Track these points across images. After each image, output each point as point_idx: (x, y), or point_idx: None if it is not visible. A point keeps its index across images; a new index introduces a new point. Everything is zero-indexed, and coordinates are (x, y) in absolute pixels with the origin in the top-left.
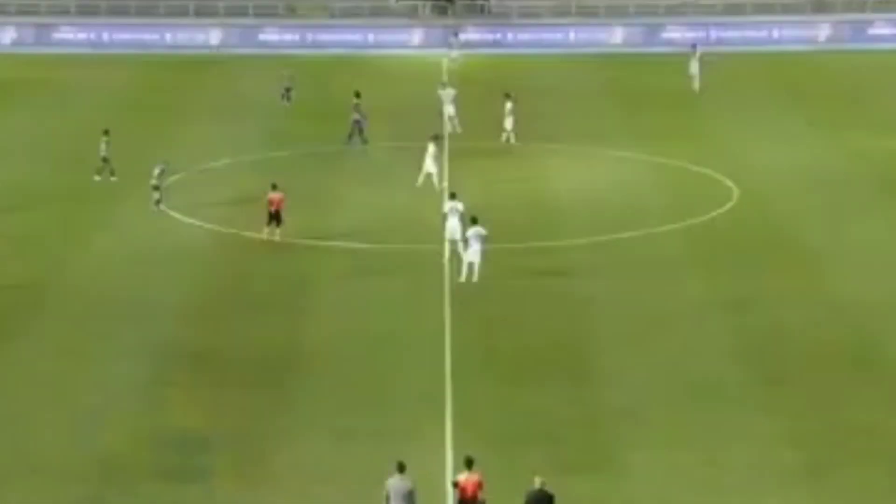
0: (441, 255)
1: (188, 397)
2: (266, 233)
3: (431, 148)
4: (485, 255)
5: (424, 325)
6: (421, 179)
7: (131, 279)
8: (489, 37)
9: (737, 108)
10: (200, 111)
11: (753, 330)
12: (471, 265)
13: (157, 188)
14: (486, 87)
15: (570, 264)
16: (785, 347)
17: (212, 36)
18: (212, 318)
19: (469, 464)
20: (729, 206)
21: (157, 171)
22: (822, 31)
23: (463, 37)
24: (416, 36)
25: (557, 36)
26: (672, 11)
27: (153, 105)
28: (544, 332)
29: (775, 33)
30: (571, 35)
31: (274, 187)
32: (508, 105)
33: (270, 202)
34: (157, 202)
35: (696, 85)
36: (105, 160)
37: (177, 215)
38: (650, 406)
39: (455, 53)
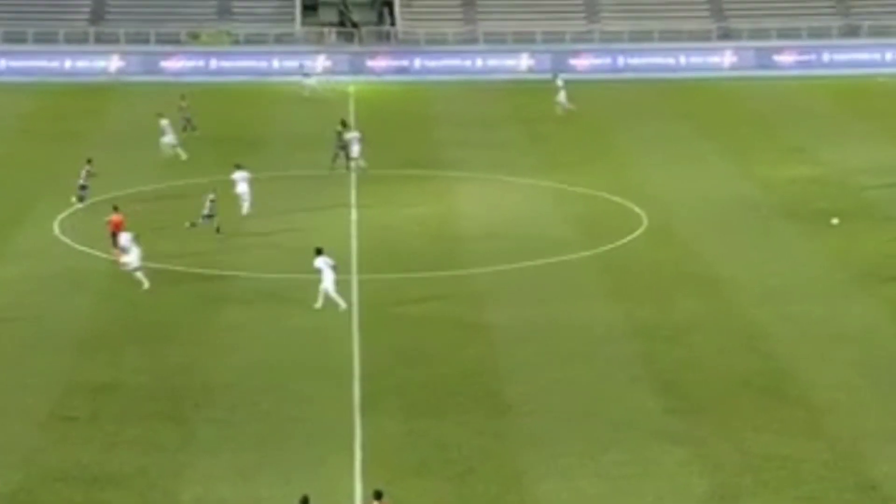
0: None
1: (89, 432)
2: (115, 254)
3: (238, 174)
4: (336, 283)
5: (332, 357)
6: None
7: (28, 309)
8: (395, 64)
9: (644, 136)
10: (100, 139)
11: (664, 358)
12: (326, 293)
13: (83, 187)
14: (393, 115)
15: (479, 293)
16: (695, 375)
17: (112, 63)
18: (112, 350)
19: (378, 496)
20: (638, 233)
21: (83, 173)
22: (727, 58)
23: (309, 65)
24: (322, 63)
25: (465, 63)
26: (579, 39)
27: (52, 133)
28: (454, 362)
29: (682, 60)
30: (479, 62)
31: (115, 209)
32: (352, 134)
33: (110, 224)
34: (81, 199)
35: (565, 108)
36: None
37: (75, 244)
38: (561, 436)
39: (312, 81)
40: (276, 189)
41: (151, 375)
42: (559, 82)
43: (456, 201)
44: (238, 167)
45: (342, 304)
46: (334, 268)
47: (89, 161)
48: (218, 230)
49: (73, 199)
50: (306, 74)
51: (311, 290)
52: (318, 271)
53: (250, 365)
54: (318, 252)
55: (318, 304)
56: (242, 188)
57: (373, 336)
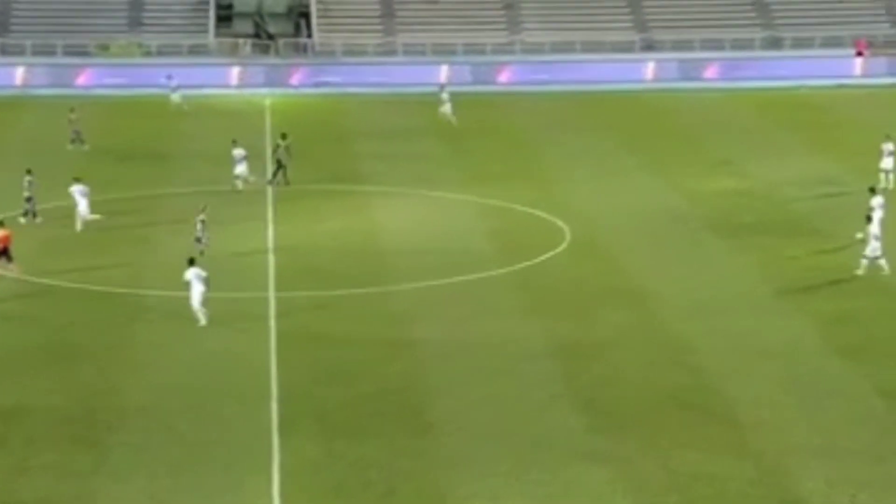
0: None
1: None
2: (9, 269)
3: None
4: (205, 295)
5: (249, 377)
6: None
7: None
8: (313, 77)
9: (568, 149)
10: (6, 154)
11: (588, 374)
12: (192, 306)
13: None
14: (310, 128)
15: (400, 310)
16: (619, 392)
17: (17, 76)
18: (20, 372)
19: None
20: (561, 248)
21: (25, 184)
22: (650, 70)
23: (175, 80)
24: (236, 75)
25: (383, 75)
26: (500, 51)
27: None
28: (374, 381)
29: (605, 72)
30: (398, 74)
31: (0, 224)
32: (238, 151)
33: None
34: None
35: (452, 120)
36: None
37: None
38: (484, 455)
39: (176, 96)
40: (190, 205)
41: (63, 398)
42: (444, 95)
43: (376, 216)
44: (77, 180)
45: (203, 320)
46: (205, 280)
47: (28, 171)
48: (202, 253)
49: (21, 218)
50: (174, 88)
51: (226, 309)
52: (187, 284)
53: (165, 386)
54: (191, 262)
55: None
56: (82, 204)
57: (291, 355)
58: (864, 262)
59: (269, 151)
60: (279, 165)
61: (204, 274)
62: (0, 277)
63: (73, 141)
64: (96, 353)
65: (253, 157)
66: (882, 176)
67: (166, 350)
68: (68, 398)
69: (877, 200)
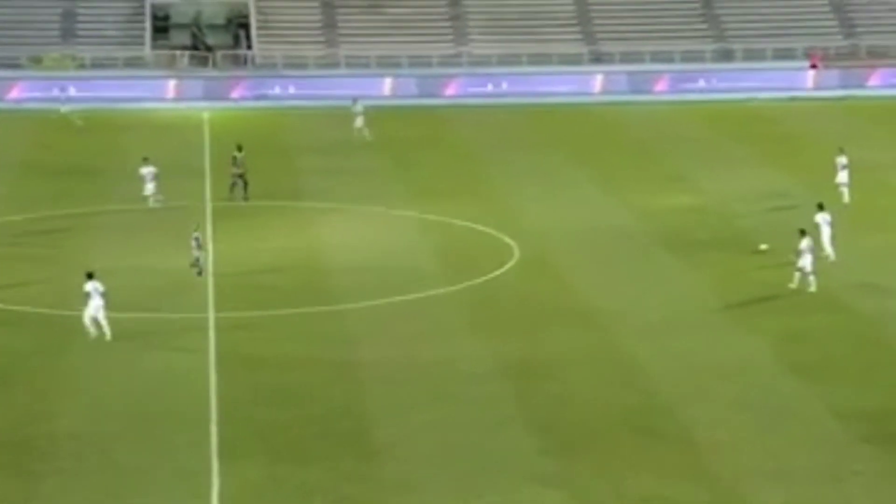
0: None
1: None
2: None
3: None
4: (103, 309)
5: (188, 400)
6: None
7: None
8: (253, 90)
9: (516, 163)
10: None
11: (539, 395)
12: (95, 320)
13: None
14: (250, 143)
15: (345, 330)
16: (570, 414)
17: None
18: None
19: None
20: (510, 265)
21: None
22: (598, 82)
23: (67, 93)
24: (173, 88)
25: (326, 88)
26: (447, 63)
27: None
28: (319, 404)
29: (553, 85)
30: (341, 87)
31: None
32: (147, 169)
33: None
34: None
35: (364, 134)
36: None
37: None
38: (432, 480)
39: (65, 109)
40: (125, 223)
41: None
42: (357, 108)
43: (318, 234)
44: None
45: (93, 331)
46: (104, 295)
47: None
48: (199, 273)
49: None
50: (64, 101)
51: (164, 330)
52: (87, 295)
53: (100, 410)
54: (90, 276)
55: (104, 336)
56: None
57: (232, 377)
58: (798, 275)
59: (207, 167)
60: (239, 179)
61: (102, 288)
62: None
63: None
64: (26, 377)
65: (192, 174)
66: (845, 191)
67: (101, 373)
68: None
69: (822, 216)
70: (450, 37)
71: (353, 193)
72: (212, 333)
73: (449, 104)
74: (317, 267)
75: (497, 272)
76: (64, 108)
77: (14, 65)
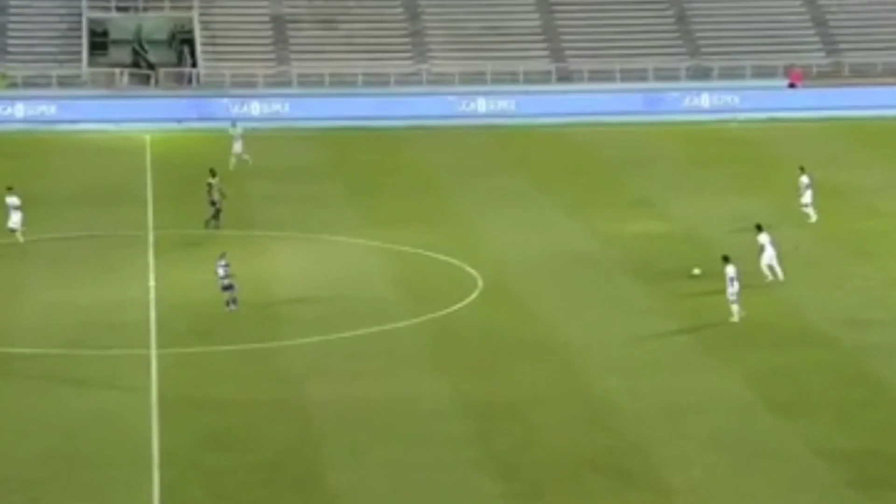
0: None
1: None
2: None
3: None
4: None
5: (127, 443)
6: None
7: None
8: (198, 110)
9: (478, 188)
10: None
11: (504, 436)
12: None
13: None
14: (194, 167)
15: (296, 367)
16: (536, 455)
17: None
18: None
19: None
20: (473, 297)
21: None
22: (567, 102)
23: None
24: (113, 108)
25: (276, 108)
26: (404, 81)
27: None
28: (268, 447)
29: (518, 105)
30: (292, 107)
31: None
32: (12, 200)
33: None
34: None
35: (242, 159)
36: None
37: None
38: None
39: None
40: (59, 253)
41: None
42: (236, 131)
43: (269, 264)
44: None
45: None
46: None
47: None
48: (234, 301)
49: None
50: None
51: (102, 368)
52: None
53: (31, 455)
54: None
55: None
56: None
57: (174, 418)
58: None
59: (149, 193)
60: (214, 205)
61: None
62: None
63: None
64: None
65: (134, 201)
66: (811, 211)
67: (33, 414)
68: None
69: (764, 237)
70: (409, 53)
71: (305, 221)
72: (153, 371)
73: (407, 125)
74: (266, 299)
75: (459, 304)
76: None
77: None
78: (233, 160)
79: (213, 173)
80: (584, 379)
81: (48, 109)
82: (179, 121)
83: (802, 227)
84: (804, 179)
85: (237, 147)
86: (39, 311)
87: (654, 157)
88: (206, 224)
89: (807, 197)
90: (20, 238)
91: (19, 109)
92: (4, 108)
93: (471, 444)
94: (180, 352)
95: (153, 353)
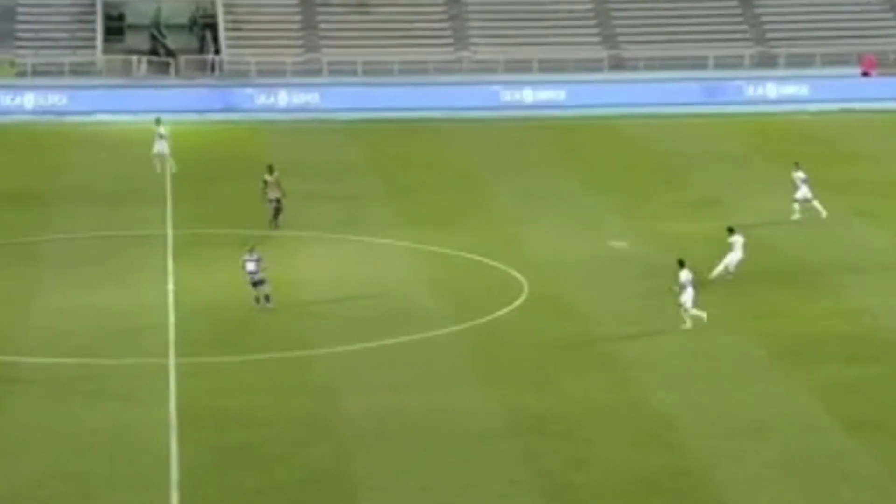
0: None
1: None
2: None
3: None
4: None
5: (144, 460)
6: None
7: None
8: (220, 100)
9: (526, 185)
10: None
11: (551, 454)
12: None
13: None
14: (217, 161)
15: (328, 378)
16: (591, 476)
17: None
18: None
19: None
20: (518, 303)
21: None
22: (620, 92)
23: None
24: (129, 98)
25: (305, 98)
26: (444, 69)
27: None
28: (296, 465)
29: (567, 94)
30: (323, 97)
31: None
32: None
33: None
34: None
35: (164, 160)
36: None
37: None
38: None
39: None
40: (71, 254)
41: None
42: (161, 130)
43: (297, 267)
44: None
45: None
46: None
47: None
48: (266, 298)
49: None
50: None
51: (117, 378)
52: None
53: (40, 474)
54: None
55: None
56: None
57: (195, 434)
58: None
59: (168, 189)
60: (273, 203)
61: None
62: None
63: None
64: None
65: (151, 198)
66: (817, 204)
67: (42, 429)
68: None
69: (735, 238)
70: (448, 40)
71: (338, 220)
72: (172, 383)
73: (447, 117)
74: (296, 305)
75: (503, 310)
76: None
77: None
78: (154, 163)
79: (270, 169)
80: (640, 393)
81: (59, 100)
82: (201, 112)
83: (812, 224)
84: (799, 174)
85: (161, 148)
86: (50, 316)
87: (715, 151)
88: (270, 224)
89: (804, 192)
90: None
91: (28, 100)
92: (13, 99)
93: (518, 462)
94: (202, 361)
95: (172, 362)
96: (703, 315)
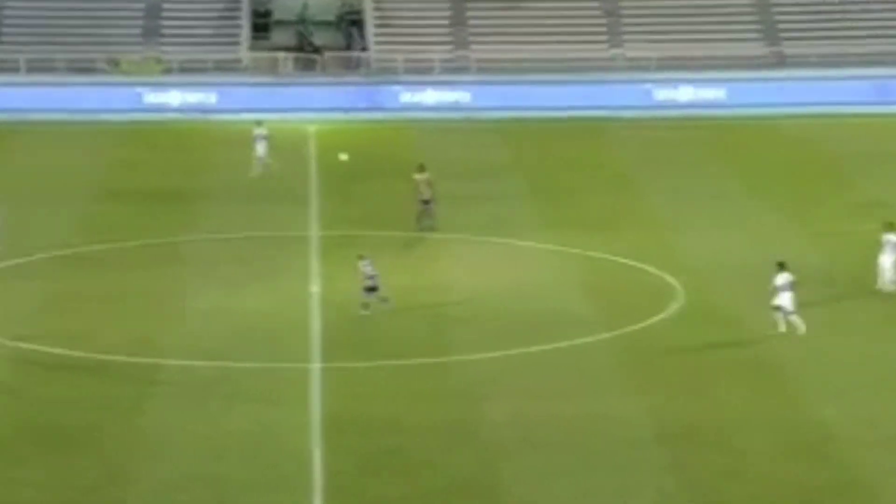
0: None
1: None
2: None
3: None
4: None
5: (286, 466)
6: None
7: None
8: (367, 98)
9: (681, 187)
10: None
11: (704, 465)
12: None
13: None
14: (363, 161)
15: (472, 385)
16: (745, 487)
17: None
18: (12, 459)
19: None
20: (673, 309)
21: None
22: (783, 90)
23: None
24: (275, 97)
25: (453, 96)
26: (596, 68)
27: None
28: (441, 472)
29: (726, 93)
30: (469, 95)
31: None
32: None
33: None
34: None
35: (259, 168)
36: None
37: None
38: None
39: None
40: (215, 255)
41: (53, 495)
42: (261, 132)
43: (443, 270)
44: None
45: None
46: None
47: None
48: (386, 300)
49: None
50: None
51: (258, 382)
52: None
53: (181, 477)
54: None
55: None
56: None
57: (338, 439)
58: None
59: (313, 189)
60: (425, 204)
61: None
62: None
63: None
64: (95, 437)
65: (295, 198)
66: None
67: (183, 432)
68: (62, 494)
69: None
70: (602, 36)
71: (485, 222)
72: (314, 387)
73: (600, 116)
74: (440, 309)
75: (656, 317)
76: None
77: (88, 69)
78: (254, 164)
79: (420, 168)
80: (800, 403)
81: (206, 97)
82: (346, 110)
83: None
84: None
85: (260, 149)
86: (192, 318)
87: (889, 152)
88: (420, 225)
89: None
90: None
91: (174, 97)
92: (158, 96)
93: (668, 471)
94: (345, 366)
95: (315, 366)
96: (802, 326)
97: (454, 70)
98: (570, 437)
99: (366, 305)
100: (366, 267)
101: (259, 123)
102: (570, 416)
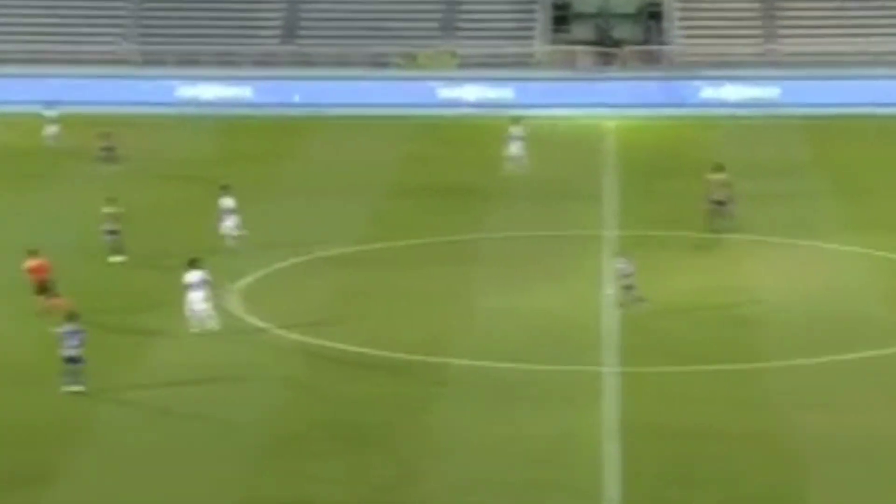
0: None
1: None
2: (40, 307)
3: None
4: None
5: (578, 473)
6: None
7: (199, 403)
8: (668, 94)
9: None
10: (289, 188)
11: None
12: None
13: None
14: (662, 158)
15: (779, 393)
16: None
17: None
18: (300, 458)
19: None
20: None
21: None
22: None
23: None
24: (573, 92)
25: (758, 92)
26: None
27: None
28: (742, 483)
29: None
30: (780, 92)
31: (32, 253)
32: (226, 201)
33: (31, 271)
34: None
35: (512, 166)
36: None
37: (254, 321)
38: None
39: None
40: (507, 253)
41: (347, 491)
42: (517, 131)
43: (747, 273)
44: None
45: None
46: (208, 284)
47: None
48: (641, 299)
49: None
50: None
51: (552, 385)
52: (187, 287)
53: (472, 479)
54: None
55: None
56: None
57: (635, 447)
58: None
59: (609, 187)
60: (719, 206)
61: (208, 278)
62: (276, 336)
63: (103, 160)
64: (388, 435)
65: (592, 196)
66: None
67: (474, 433)
68: (354, 491)
69: None
70: None
71: (789, 224)
72: (612, 391)
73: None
74: (741, 314)
75: None
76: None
77: (382, 62)
78: (508, 165)
79: (717, 168)
80: None
81: (503, 92)
82: (646, 106)
83: None
84: None
85: (516, 148)
86: (482, 318)
87: None
88: (712, 226)
89: None
90: (230, 243)
91: (469, 92)
92: (452, 91)
93: None
94: (643, 371)
95: (612, 370)
96: None
97: (759, 65)
98: (884, 453)
99: (622, 304)
100: (622, 265)
101: (516, 121)
102: (887, 431)
